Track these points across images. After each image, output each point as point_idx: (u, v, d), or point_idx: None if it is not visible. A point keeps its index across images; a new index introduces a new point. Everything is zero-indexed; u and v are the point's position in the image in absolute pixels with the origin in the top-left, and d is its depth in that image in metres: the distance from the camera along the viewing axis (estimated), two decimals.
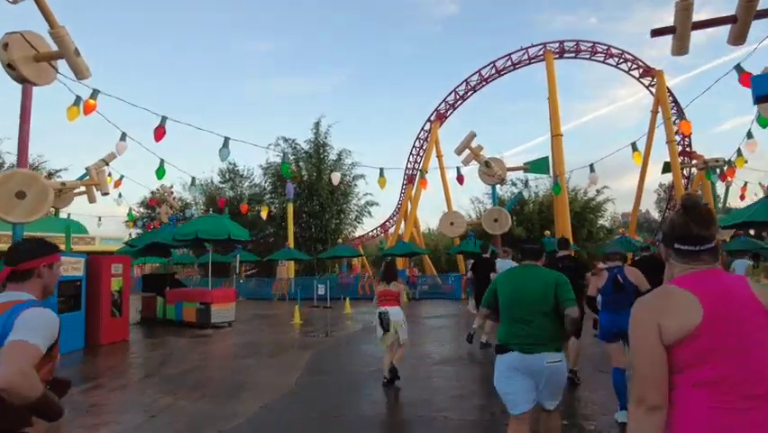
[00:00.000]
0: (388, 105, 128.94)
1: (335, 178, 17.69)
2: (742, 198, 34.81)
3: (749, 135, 16.65)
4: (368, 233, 42.07)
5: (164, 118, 11.49)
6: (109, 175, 19.06)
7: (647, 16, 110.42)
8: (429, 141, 31.46)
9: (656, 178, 73.79)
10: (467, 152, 26.43)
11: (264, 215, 26.28)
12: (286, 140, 32.58)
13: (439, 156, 32.81)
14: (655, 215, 68.81)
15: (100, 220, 29.70)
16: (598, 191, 33.78)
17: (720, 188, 28.96)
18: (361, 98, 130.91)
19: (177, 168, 27.63)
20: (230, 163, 37.73)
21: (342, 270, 38.20)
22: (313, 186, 31.90)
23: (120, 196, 21.53)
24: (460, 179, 20.64)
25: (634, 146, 17.19)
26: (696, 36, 7.15)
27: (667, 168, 28.17)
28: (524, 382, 3.27)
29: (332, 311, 17.94)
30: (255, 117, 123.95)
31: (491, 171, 24.19)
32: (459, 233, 25.41)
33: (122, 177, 18.45)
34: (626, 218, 54.23)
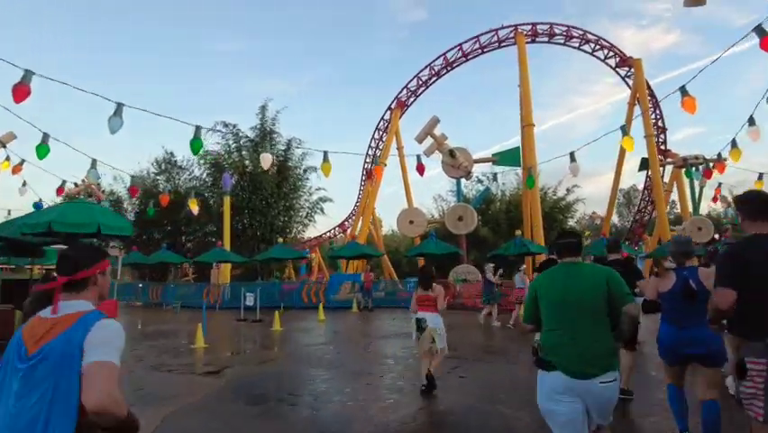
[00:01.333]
0: (355, 108, 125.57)
1: (266, 160, 14.27)
2: (714, 199, 33.38)
3: (751, 122, 14.28)
4: (325, 233, 38.61)
5: (28, 73, 8.60)
6: (7, 159, 15.23)
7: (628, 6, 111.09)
8: (389, 131, 28.37)
9: (630, 176, 72.88)
10: (429, 141, 23.50)
11: (194, 208, 22.49)
12: (226, 125, 28.81)
13: (399, 148, 29.77)
14: (614, 219, 68.21)
15: None
16: (568, 190, 31.54)
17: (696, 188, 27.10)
18: (329, 101, 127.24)
19: (81, 152, 20.25)
20: (167, 153, 33.57)
21: (302, 271, 34.69)
22: (257, 178, 28.19)
23: (24, 185, 17.47)
24: (420, 168, 17.52)
25: (623, 129, 14.55)
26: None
27: (645, 164, 26.03)
28: (572, 405, 2.80)
29: (260, 327, 14.47)
30: (222, 116, 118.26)
31: (456, 162, 21.34)
32: (419, 232, 22.44)
33: (22, 161, 14.76)
34: (594, 221, 52.62)
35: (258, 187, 28.28)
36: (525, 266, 16.59)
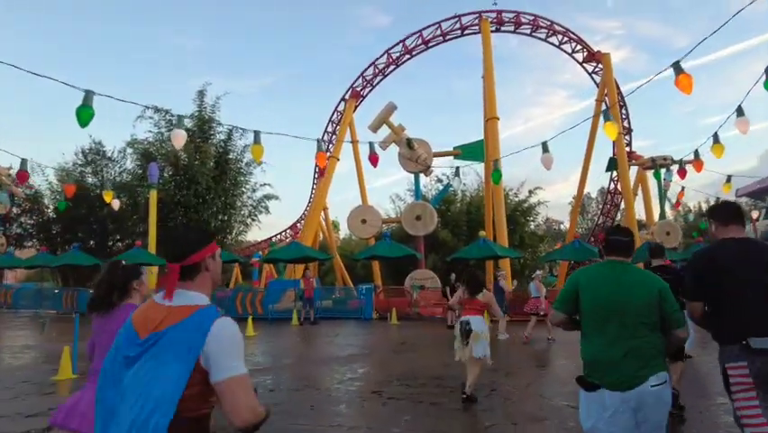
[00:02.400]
0: (308, 103, 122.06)
1: (178, 137, 11.37)
2: (677, 205, 32.72)
3: (739, 112, 12.76)
4: (276, 235, 35.57)
5: None
6: None
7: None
8: (342, 122, 25.84)
9: (595, 178, 73.03)
10: (386, 132, 21.18)
11: (110, 202, 19.24)
12: (158, 110, 25.41)
13: (354, 142, 27.27)
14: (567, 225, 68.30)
15: None
16: (530, 192, 29.93)
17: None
18: (281, 101, 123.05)
19: None
20: (94, 143, 29.72)
21: (254, 277, 31.51)
22: (191, 171, 24.97)
23: None
24: (373, 159, 15.09)
25: (606, 115, 12.66)
26: None
27: (612, 165, 24.63)
28: (623, 424, 2.50)
29: None
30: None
31: (414, 155, 19.08)
32: (372, 233, 19.96)
33: None
34: (552, 225, 51.93)
35: (193, 181, 25.06)
36: (539, 272, 14.68)
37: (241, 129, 27.06)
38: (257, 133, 11.76)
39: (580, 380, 2.64)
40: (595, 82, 26.71)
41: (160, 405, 1.45)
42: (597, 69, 26.17)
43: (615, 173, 30.71)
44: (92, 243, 28.11)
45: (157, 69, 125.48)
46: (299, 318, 16.42)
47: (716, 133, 13.50)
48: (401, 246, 17.92)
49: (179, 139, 11.54)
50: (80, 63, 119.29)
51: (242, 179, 27.90)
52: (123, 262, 2.88)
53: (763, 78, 11.50)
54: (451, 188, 20.13)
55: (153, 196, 22.48)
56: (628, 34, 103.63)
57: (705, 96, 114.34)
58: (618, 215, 31.23)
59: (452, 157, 20.10)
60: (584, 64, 26.35)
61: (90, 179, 29.49)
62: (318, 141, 14.27)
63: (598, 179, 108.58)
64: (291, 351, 11.27)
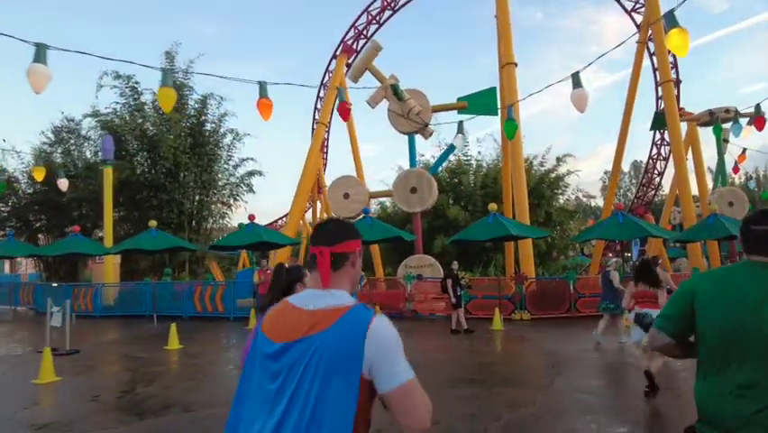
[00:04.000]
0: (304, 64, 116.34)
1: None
2: (735, 170, 27.75)
3: None
4: (278, 220, 32.09)
5: None
6: None
7: None
8: (331, 83, 21.87)
9: (640, 138, 66.66)
10: (375, 87, 17.19)
11: (40, 178, 16.06)
12: (118, 75, 21.95)
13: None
14: (599, 201, 62.69)
15: None
16: (558, 160, 25.50)
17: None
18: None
19: None
20: (67, 119, 26.54)
21: (253, 266, 28.12)
22: (158, 145, 21.54)
23: None
24: (343, 109, 11.28)
25: (671, 19, 8.47)
26: None
27: (659, 121, 20.05)
28: None
29: (72, 361, 8.06)
30: None
31: (405, 107, 15.10)
32: (357, 210, 16.12)
33: None
34: (583, 200, 47.19)
35: (161, 156, 21.64)
36: (615, 259, 11.51)
37: (219, 96, 23.81)
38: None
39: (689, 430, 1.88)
40: (635, 23, 21.99)
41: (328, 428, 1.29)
42: (637, 7, 21.45)
43: (657, 136, 26.10)
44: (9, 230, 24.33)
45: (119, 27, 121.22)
46: (257, 320, 12.82)
47: None
48: (386, 226, 14.11)
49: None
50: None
51: (222, 153, 24.38)
52: (287, 265, 2.91)
53: None
54: (453, 150, 16.10)
55: (108, 174, 19.15)
56: None
57: (743, 65, 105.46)
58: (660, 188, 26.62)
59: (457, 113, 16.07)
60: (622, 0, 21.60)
61: (59, 159, 26.45)
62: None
63: (631, 153, 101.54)
64: (200, 374, 7.65)
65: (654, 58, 22.28)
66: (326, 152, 28.82)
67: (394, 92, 13.58)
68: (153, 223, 14.67)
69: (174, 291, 16.53)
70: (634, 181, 53.14)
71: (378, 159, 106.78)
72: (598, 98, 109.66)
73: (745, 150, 23.94)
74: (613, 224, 12.52)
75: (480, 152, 24.99)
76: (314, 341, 1.33)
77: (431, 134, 15.86)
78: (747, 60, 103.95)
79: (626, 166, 65.80)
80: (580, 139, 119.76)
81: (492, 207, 13.06)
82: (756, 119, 16.08)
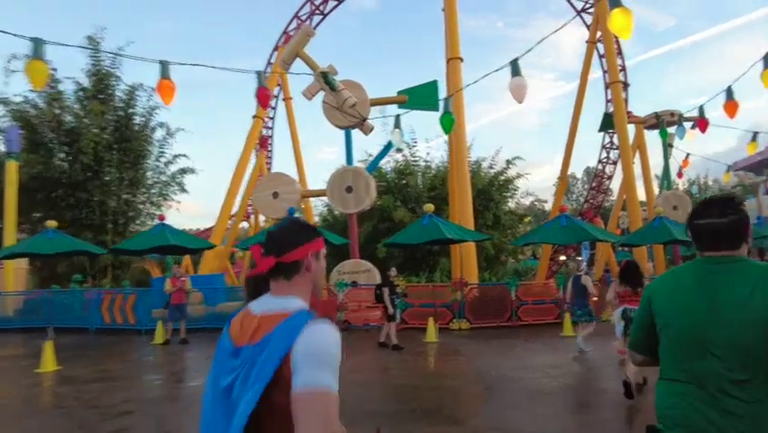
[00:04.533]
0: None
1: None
2: (680, 175, 28.02)
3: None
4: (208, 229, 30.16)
5: None
6: None
7: None
8: (273, 68, 20.41)
9: (594, 146, 68.08)
10: (311, 78, 15.91)
11: None
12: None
13: (287, 99, 22.05)
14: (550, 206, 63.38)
15: None
16: (508, 163, 24.93)
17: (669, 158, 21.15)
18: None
19: None
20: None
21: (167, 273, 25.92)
22: (78, 138, 19.51)
23: None
24: (261, 95, 10.05)
25: None
26: None
27: (608, 122, 19.71)
28: None
29: None
30: None
31: (338, 98, 13.94)
32: (285, 209, 14.81)
33: None
34: (536, 205, 47.38)
35: (82, 151, 19.62)
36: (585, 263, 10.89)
37: (149, 88, 21.91)
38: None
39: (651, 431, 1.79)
40: (585, 24, 21.68)
41: None
42: (587, 7, 21.14)
43: (607, 140, 26.00)
44: None
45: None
46: (166, 334, 11.31)
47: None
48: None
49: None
50: None
51: (153, 149, 22.48)
52: None
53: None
54: (391, 147, 15.06)
55: (11, 169, 17.09)
56: None
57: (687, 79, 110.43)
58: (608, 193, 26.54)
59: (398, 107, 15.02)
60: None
61: None
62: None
63: (584, 159, 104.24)
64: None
65: (604, 60, 22.09)
66: (270, 150, 27.31)
67: (324, 80, 12.38)
68: (52, 223, 12.88)
69: (84, 301, 14.78)
70: (587, 187, 53.93)
71: (341, 162, 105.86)
72: (555, 107, 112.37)
73: (688, 155, 24.16)
74: (556, 227, 11.76)
75: (428, 153, 23.93)
76: (255, 347, 1.31)
77: (371, 130, 14.74)
78: (692, 74, 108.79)
79: (579, 172, 67.08)
80: (539, 146, 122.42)
81: (429, 207, 12.05)
82: (699, 121, 15.94)
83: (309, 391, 1.20)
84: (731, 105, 12.37)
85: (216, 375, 1.37)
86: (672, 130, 19.70)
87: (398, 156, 23.47)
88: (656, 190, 23.99)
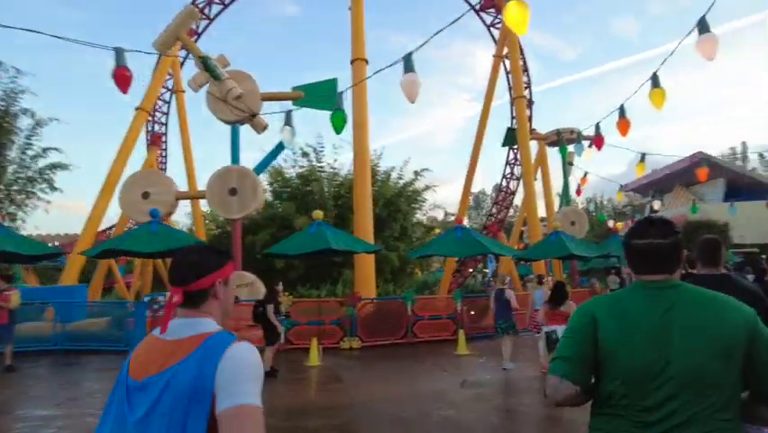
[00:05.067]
0: None
1: None
2: (578, 193, 29.25)
3: (703, 28, 8.74)
4: (107, 230, 26.70)
5: None
6: None
7: None
8: (161, 62, 18.32)
9: (480, 182, 70.76)
10: (198, 69, 14.22)
11: None
12: None
13: (178, 92, 20.06)
14: (465, 221, 65.02)
15: None
16: (416, 174, 24.54)
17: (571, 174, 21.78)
18: None
19: None
20: None
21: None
22: None
23: None
24: (120, 76, 8.43)
25: None
26: None
27: (511, 137, 19.84)
28: None
29: None
30: None
31: (222, 88, 12.48)
32: (163, 213, 12.92)
33: None
34: (447, 219, 48.02)
35: None
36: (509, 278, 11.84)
37: (12, 68, 18.88)
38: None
39: None
40: (493, 38, 21.88)
41: None
42: (496, 22, 21.34)
43: (512, 156, 26.52)
44: None
45: None
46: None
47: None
48: (180, 234, 11.23)
49: None
50: None
51: (17, 139, 19.34)
52: None
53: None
54: (282, 149, 13.71)
55: None
56: None
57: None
58: (515, 203, 27.08)
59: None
60: (481, 13, 21.33)
61: None
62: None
63: (495, 175, 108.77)
64: None
65: (511, 77, 22.43)
66: (165, 148, 24.86)
67: (205, 66, 10.88)
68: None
69: None
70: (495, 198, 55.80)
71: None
72: (470, 126, 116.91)
73: (586, 173, 25.20)
74: (451, 239, 11.13)
75: (335, 159, 22.83)
76: (170, 373, 1.27)
77: (264, 128, 13.33)
78: (591, 101, 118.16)
79: (490, 188, 69.57)
80: (454, 163, 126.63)
81: (317, 214, 10.91)
82: (596, 139, 16.34)
83: (240, 409, 1.19)
84: (623, 124, 12.51)
85: (121, 411, 1.30)
86: (571, 148, 20.32)
87: (305, 161, 22.22)
88: (557, 207, 24.76)
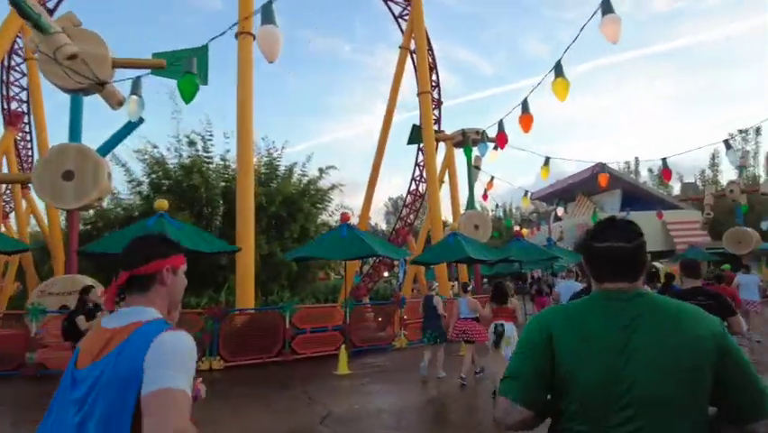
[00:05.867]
0: None
1: None
2: (485, 197, 29.04)
3: (607, 8, 7.88)
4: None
5: None
6: None
7: None
8: (5, 23, 15.07)
9: (398, 188, 70.49)
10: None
11: None
12: None
13: (28, 59, 16.81)
14: (383, 226, 64.25)
15: None
16: (321, 171, 22.83)
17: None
18: None
19: None
20: None
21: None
22: None
23: None
24: None
25: None
26: None
27: (416, 134, 18.75)
28: None
29: None
30: None
31: (51, 44, 9.87)
32: None
33: None
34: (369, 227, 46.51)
35: None
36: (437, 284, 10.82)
37: None
38: None
39: None
40: (401, 29, 20.80)
41: None
42: (404, 13, 20.27)
43: (421, 157, 25.67)
44: None
45: None
46: None
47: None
48: (9, 240, 8.71)
49: None
50: None
51: None
52: None
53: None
54: (140, 123, 11.25)
55: None
56: None
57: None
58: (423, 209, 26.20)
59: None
60: (390, 3, 20.16)
61: None
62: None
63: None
64: None
65: (416, 71, 21.52)
66: (28, 131, 21.34)
67: (21, 13, 8.37)
68: None
69: None
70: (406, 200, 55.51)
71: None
72: (393, 133, 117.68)
73: (492, 178, 24.95)
74: (335, 238, 9.56)
75: (228, 150, 20.45)
76: (104, 362, 1.27)
77: (120, 103, 10.95)
78: (513, 117, 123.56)
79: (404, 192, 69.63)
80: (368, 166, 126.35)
81: (161, 204, 8.87)
82: (499, 136, 15.72)
83: (161, 391, 1.16)
84: (526, 119, 11.71)
85: (63, 400, 1.30)
86: (476, 150, 19.72)
87: (192, 151, 19.62)
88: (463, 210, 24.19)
